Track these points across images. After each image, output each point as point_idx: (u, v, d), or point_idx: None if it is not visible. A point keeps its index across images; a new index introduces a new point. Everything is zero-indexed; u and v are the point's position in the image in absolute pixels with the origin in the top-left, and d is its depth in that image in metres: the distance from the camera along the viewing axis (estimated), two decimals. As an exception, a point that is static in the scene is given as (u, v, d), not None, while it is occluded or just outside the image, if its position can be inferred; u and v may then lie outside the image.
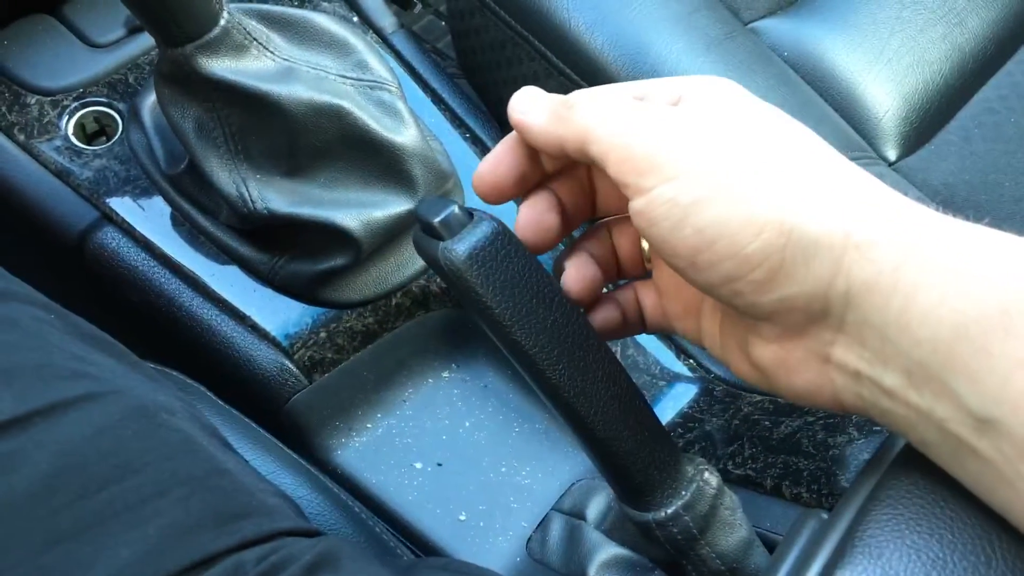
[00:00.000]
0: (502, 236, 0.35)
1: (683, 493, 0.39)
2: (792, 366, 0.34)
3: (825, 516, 0.36)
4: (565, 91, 0.69)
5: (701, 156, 0.32)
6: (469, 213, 0.36)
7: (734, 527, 0.41)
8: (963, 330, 0.28)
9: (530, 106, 0.37)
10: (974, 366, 0.28)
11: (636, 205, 0.33)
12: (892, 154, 0.70)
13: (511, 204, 0.69)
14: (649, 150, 0.32)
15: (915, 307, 0.29)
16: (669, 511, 0.39)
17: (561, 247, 0.69)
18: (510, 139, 0.38)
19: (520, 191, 0.39)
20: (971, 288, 0.28)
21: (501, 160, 0.38)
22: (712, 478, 0.40)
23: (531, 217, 0.38)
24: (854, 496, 0.33)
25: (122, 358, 0.46)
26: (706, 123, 0.33)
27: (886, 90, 0.70)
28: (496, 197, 0.38)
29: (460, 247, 0.34)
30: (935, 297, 0.28)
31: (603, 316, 0.40)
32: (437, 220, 0.35)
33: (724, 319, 0.38)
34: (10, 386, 0.38)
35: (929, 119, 0.71)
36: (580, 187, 0.40)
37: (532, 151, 0.38)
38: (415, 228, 0.36)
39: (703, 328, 0.39)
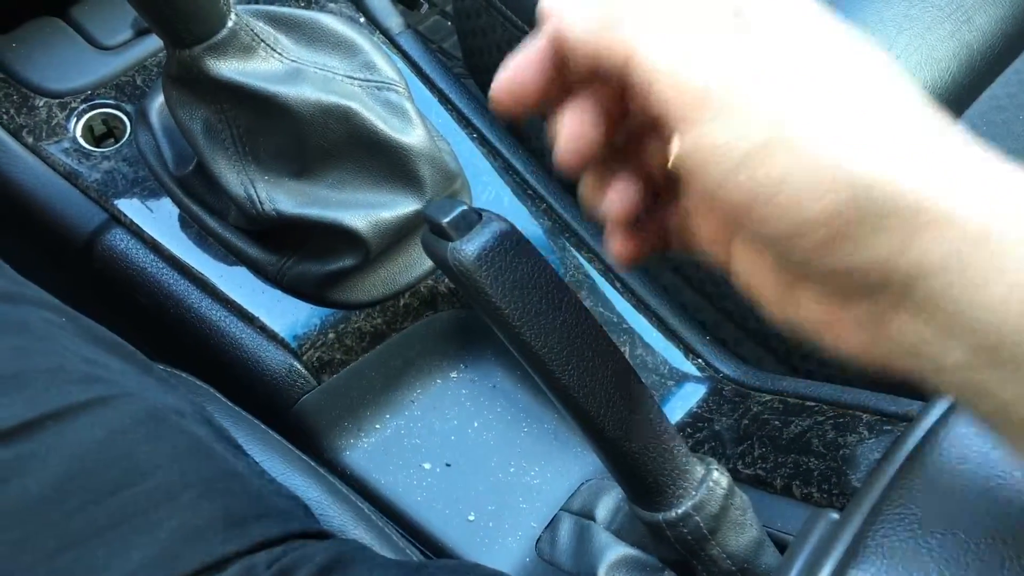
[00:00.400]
0: (511, 236, 0.35)
1: (693, 493, 0.39)
2: (840, 330, 0.30)
3: (836, 516, 0.36)
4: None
5: (766, 95, 0.27)
6: (478, 214, 0.36)
7: (744, 527, 0.40)
8: None
9: (569, 3, 0.31)
10: None
11: (682, 146, 0.28)
12: (901, 152, 0.69)
13: (518, 206, 0.69)
14: (705, 83, 0.27)
15: (993, 289, 0.26)
16: (679, 511, 0.39)
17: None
18: (540, 44, 0.33)
19: (537, 104, 0.33)
20: None
21: (528, 65, 0.33)
22: (722, 478, 0.40)
23: (575, 128, 0.32)
24: (866, 496, 0.33)
25: (133, 360, 0.46)
26: (773, 52, 0.28)
27: (894, 88, 0.69)
28: (513, 104, 0.33)
29: (469, 248, 0.34)
30: (1015, 279, 0.25)
31: (622, 243, 0.35)
32: (446, 221, 0.35)
33: (764, 258, 0.32)
34: (22, 390, 0.38)
35: (937, 117, 0.70)
36: (614, 98, 0.34)
37: (562, 59, 0.32)
38: (424, 229, 0.36)
39: (735, 259, 0.33)
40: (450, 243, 0.35)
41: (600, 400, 0.37)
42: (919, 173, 0.26)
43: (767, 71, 0.27)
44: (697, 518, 0.39)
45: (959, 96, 0.71)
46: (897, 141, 0.27)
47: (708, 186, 0.28)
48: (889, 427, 0.54)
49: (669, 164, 0.30)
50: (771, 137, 0.27)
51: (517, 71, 0.33)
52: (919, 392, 0.61)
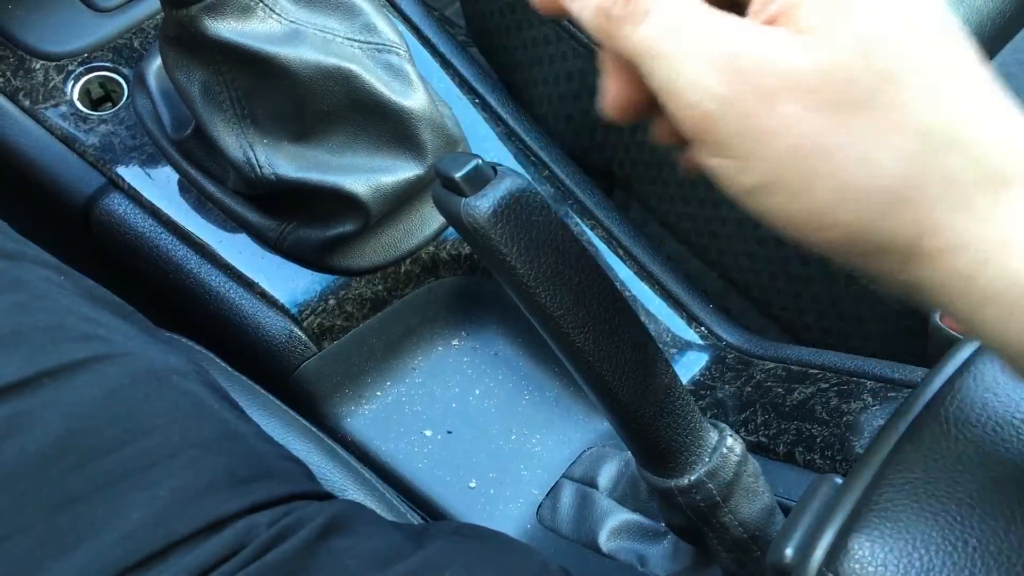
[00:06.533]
0: (527, 193, 0.34)
1: (707, 460, 0.39)
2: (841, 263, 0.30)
3: (839, 480, 0.36)
4: (576, 57, 0.68)
5: (772, 132, 0.26)
6: (493, 168, 0.34)
7: (757, 494, 0.40)
8: None
9: None
10: None
11: (700, 158, 0.28)
12: (906, 120, 0.69)
13: (521, 173, 0.69)
14: (715, 113, 0.26)
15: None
16: (692, 478, 0.39)
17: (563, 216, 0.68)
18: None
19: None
20: None
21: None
22: (736, 445, 0.40)
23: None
24: (869, 460, 0.33)
25: (133, 321, 0.46)
26: (793, 73, 0.26)
27: (901, 55, 0.69)
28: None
29: (483, 204, 0.33)
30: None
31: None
32: (459, 175, 0.33)
33: None
34: (20, 347, 0.38)
35: (944, 85, 0.70)
36: None
37: None
38: (435, 184, 0.35)
39: None
40: (463, 199, 0.33)
41: (615, 364, 0.36)
42: (908, 218, 0.26)
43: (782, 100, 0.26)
44: (710, 485, 0.39)
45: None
46: (886, 188, 0.26)
47: (723, 187, 0.28)
48: (894, 394, 0.54)
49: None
50: (771, 179, 0.27)
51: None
52: (924, 359, 0.61)
